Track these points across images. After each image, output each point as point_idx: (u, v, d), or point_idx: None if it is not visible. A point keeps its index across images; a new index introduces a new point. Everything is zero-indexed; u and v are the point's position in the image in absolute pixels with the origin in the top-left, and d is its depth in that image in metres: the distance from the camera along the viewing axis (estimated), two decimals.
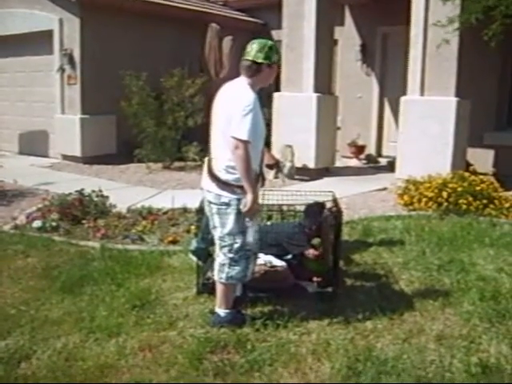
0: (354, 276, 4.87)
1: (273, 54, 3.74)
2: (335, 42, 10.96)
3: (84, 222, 6.31)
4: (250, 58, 3.72)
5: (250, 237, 3.80)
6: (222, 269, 3.84)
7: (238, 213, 3.70)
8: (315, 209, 4.58)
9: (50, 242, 5.78)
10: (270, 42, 3.79)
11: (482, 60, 9.06)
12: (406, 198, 7.33)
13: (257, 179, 3.80)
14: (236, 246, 3.78)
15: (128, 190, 8.61)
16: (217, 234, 3.85)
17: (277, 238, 4.54)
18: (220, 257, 3.86)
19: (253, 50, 3.73)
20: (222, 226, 3.78)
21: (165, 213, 6.70)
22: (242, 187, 3.65)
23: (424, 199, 7.08)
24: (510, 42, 9.45)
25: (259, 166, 3.86)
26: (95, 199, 6.75)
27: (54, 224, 6.24)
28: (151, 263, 5.13)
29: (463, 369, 3.36)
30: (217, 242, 3.88)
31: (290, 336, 3.76)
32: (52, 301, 4.37)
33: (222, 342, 3.64)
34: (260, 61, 3.69)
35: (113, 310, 4.15)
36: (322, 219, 4.51)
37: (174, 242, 5.77)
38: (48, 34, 10.96)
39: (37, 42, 11.32)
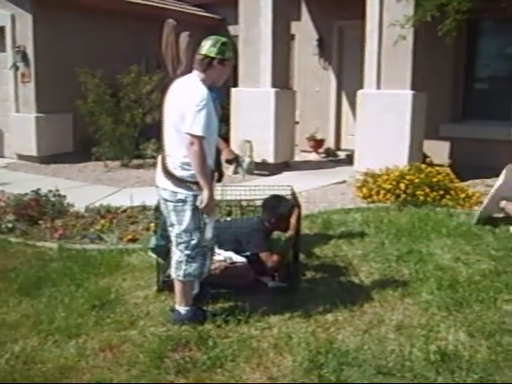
0: (314, 269, 4.91)
1: (226, 50, 3.73)
2: (292, 37, 10.98)
3: (41, 222, 6.20)
4: (202, 53, 3.72)
5: (208, 233, 3.80)
6: (179, 266, 3.82)
7: (195, 209, 3.69)
8: (273, 202, 4.59)
9: (6, 244, 5.66)
10: (224, 39, 3.78)
11: (437, 53, 9.21)
12: (364, 190, 7.42)
13: (212, 175, 3.80)
14: (193, 242, 3.77)
15: (86, 188, 8.48)
16: (174, 231, 3.83)
17: (236, 233, 4.53)
18: (177, 254, 3.84)
19: (206, 44, 3.73)
20: (178, 223, 3.77)
21: (124, 211, 6.63)
22: (197, 183, 3.64)
23: (382, 191, 7.17)
24: (464, 36, 9.66)
25: (214, 161, 3.86)
26: (52, 199, 6.64)
27: (9, 225, 6.12)
28: (110, 262, 5.07)
29: (422, 357, 3.42)
30: (173, 239, 3.87)
31: (251, 331, 3.77)
32: (9, 304, 4.29)
33: (184, 340, 3.62)
34: (212, 55, 3.69)
35: (72, 311, 4.09)
36: (283, 210, 4.52)
37: (133, 241, 5.72)
38: (0, 31, 10.71)
39: None
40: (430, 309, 4.10)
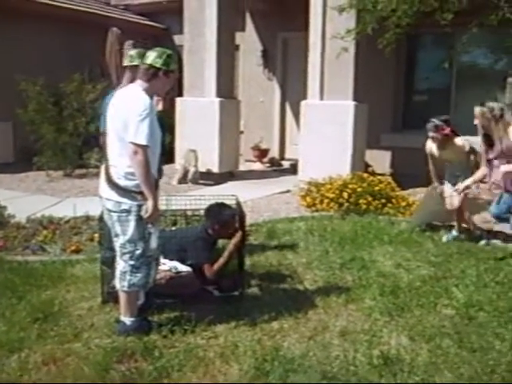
0: (259, 278, 4.93)
1: (171, 62, 3.75)
2: (237, 47, 11.06)
3: None
4: (147, 62, 3.72)
5: (153, 243, 3.80)
6: (123, 277, 3.80)
7: (139, 219, 3.68)
8: (216, 209, 4.61)
9: None
10: (169, 51, 3.80)
11: (379, 65, 9.45)
12: (308, 199, 7.52)
13: (156, 184, 3.80)
14: (137, 252, 3.75)
15: (27, 199, 8.30)
16: (118, 241, 3.80)
17: (181, 243, 4.54)
18: (121, 264, 3.81)
19: (152, 55, 3.74)
20: (123, 234, 3.74)
21: (67, 221, 6.52)
22: (142, 193, 3.63)
23: (326, 200, 7.29)
24: (404, 49, 9.94)
25: (157, 171, 3.85)
26: None
27: None
28: (53, 274, 4.98)
29: (366, 361, 3.50)
30: (117, 249, 3.83)
31: (197, 340, 3.77)
32: None
33: (129, 351, 3.59)
34: (158, 66, 3.69)
35: (13, 325, 3.99)
36: (226, 217, 4.55)
37: (77, 251, 5.63)
38: None
39: None
40: (373, 314, 4.19)
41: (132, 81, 4.71)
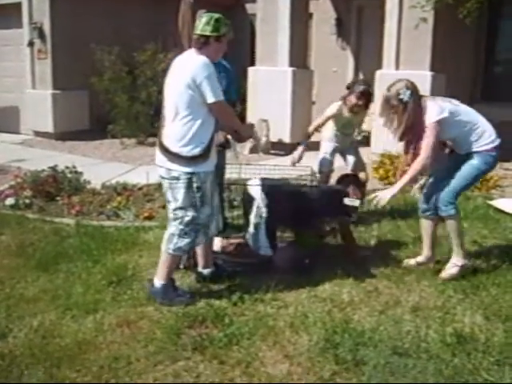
0: (331, 248, 4.87)
1: (220, 26, 3.76)
2: (310, 16, 10.88)
3: (58, 198, 6.24)
4: (197, 32, 3.76)
5: (203, 212, 3.83)
6: (171, 239, 3.86)
7: (188, 187, 3.74)
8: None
9: (24, 220, 5.71)
10: (216, 15, 3.79)
11: (457, 35, 9.06)
12: (381, 172, 7.37)
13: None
14: (187, 219, 3.81)
15: (102, 166, 8.52)
16: (170, 207, 3.89)
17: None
18: (171, 228, 3.88)
19: (201, 23, 3.76)
20: (174, 200, 3.82)
21: (140, 188, 6.66)
22: (192, 158, 3.69)
23: (399, 173, 7.10)
24: (484, 17, 9.50)
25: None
26: (69, 175, 6.67)
27: (27, 201, 6.17)
28: (127, 239, 5.10)
29: (438, 339, 3.41)
30: (170, 214, 3.91)
31: (267, 309, 3.78)
32: (27, 279, 4.33)
33: (200, 317, 3.64)
34: (207, 34, 3.72)
35: (89, 287, 4.12)
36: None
37: (149, 218, 5.74)
38: (16, 7, 10.71)
39: (5, 15, 11.06)
40: (447, 291, 4.08)
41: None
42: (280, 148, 9.17)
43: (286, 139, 9.35)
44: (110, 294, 4.01)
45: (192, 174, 3.72)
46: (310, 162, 5.58)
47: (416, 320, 3.67)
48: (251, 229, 4.46)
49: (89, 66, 9.77)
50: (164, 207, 5.93)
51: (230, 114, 3.94)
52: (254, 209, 4.41)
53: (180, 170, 3.73)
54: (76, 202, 6.11)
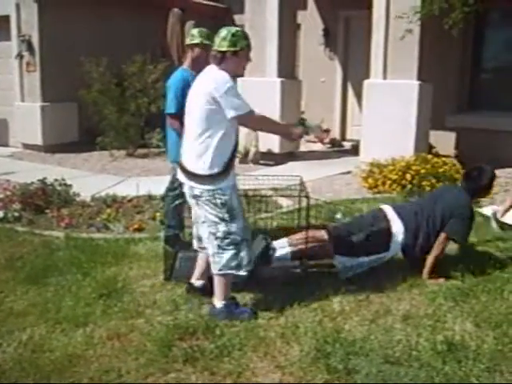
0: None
1: (238, 40, 3.69)
2: (298, 27, 10.94)
3: (47, 211, 6.22)
4: (215, 48, 3.72)
5: (235, 226, 3.73)
6: (213, 259, 3.80)
7: (213, 204, 3.68)
8: (474, 173, 4.70)
9: (13, 233, 5.68)
10: (234, 29, 3.74)
11: (444, 44, 9.13)
12: (370, 181, 7.41)
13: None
14: (219, 234, 3.72)
15: (92, 178, 8.50)
16: (203, 225, 3.83)
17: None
18: (210, 248, 3.81)
19: (216, 40, 3.72)
20: (203, 217, 3.77)
21: (129, 200, 6.64)
22: (211, 176, 3.64)
23: (388, 182, 7.16)
24: (471, 26, 9.58)
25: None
26: (58, 188, 6.65)
27: (16, 214, 6.14)
28: (117, 251, 5.08)
29: (429, 347, 3.42)
30: (205, 234, 3.84)
31: (258, 320, 3.77)
32: (16, 292, 4.30)
33: (191, 329, 3.63)
34: (224, 49, 3.67)
35: (79, 300, 4.10)
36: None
37: (139, 230, 5.72)
38: (5, 20, 10.69)
39: None
40: (437, 299, 4.09)
41: (194, 59, 4.74)
42: (269, 158, 9.19)
43: (276, 149, 9.37)
44: (100, 307, 3.99)
45: (213, 190, 3.67)
46: (301, 172, 5.57)
47: (407, 328, 3.68)
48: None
49: (78, 78, 9.75)
50: (154, 219, 5.94)
51: (263, 122, 3.94)
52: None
53: (201, 187, 3.69)
54: (65, 214, 6.09)
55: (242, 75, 3.89)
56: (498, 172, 8.03)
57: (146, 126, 10.39)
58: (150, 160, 9.67)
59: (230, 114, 3.59)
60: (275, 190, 5.33)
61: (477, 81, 10.10)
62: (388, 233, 4.50)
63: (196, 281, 4.16)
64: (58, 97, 10.55)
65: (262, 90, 9.34)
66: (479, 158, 8.36)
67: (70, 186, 6.78)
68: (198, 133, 3.67)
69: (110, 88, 10.07)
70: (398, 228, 4.51)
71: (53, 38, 10.38)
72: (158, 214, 5.87)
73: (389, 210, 4.65)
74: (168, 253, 4.49)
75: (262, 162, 9.15)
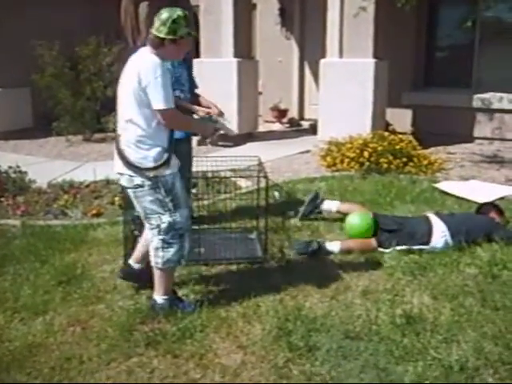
0: (279, 239, 4.91)
1: (178, 27, 3.38)
2: (254, 7, 10.88)
3: (2, 199, 6.08)
4: (153, 32, 3.41)
5: (180, 216, 3.53)
6: (156, 253, 3.58)
7: (156, 193, 3.45)
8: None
9: None
10: (176, 14, 3.39)
11: (399, 22, 9.22)
12: (328, 159, 7.46)
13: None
14: (164, 226, 3.51)
15: (48, 164, 8.34)
16: (142, 217, 3.63)
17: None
18: (153, 241, 3.60)
19: (157, 21, 3.40)
20: (144, 209, 3.55)
21: (87, 186, 6.55)
22: (150, 169, 3.42)
23: (346, 160, 7.22)
24: (424, 4, 9.68)
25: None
26: (13, 175, 6.52)
27: None
28: (75, 237, 5.01)
29: (389, 321, 3.49)
30: (146, 226, 3.66)
31: (219, 301, 3.77)
32: None
33: (152, 313, 3.61)
34: (162, 36, 3.37)
35: (38, 288, 4.04)
36: None
37: (98, 215, 5.65)
38: None
39: None
40: (395, 274, 4.17)
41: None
42: (227, 139, 9.15)
43: (234, 130, 9.35)
44: (60, 294, 3.94)
45: (156, 177, 3.44)
46: (261, 152, 5.58)
47: (366, 303, 3.74)
48: None
49: (30, 63, 9.52)
50: (113, 203, 5.88)
51: (181, 122, 3.61)
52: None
53: (143, 176, 3.45)
54: (21, 202, 5.97)
55: (181, 60, 3.78)
56: (452, 148, 8.29)
57: (102, 110, 10.22)
58: (107, 144, 9.52)
59: (157, 105, 3.31)
60: (234, 171, 5.31)
61: (432, 58, 10.23)
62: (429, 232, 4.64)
63: (134, 264, 3.94)
64: (10, 82, 10.29)
65: (218, 70, 9.29)
66: (434, 133, 8.54)
67: (26, 172, 6.65)
68: (131, 121, 3.43)
69: (63, 72, 9.87)
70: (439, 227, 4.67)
71: (2, 22, 10.08)
72: (116, 199, 5.81)
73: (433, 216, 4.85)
74: (128, 237, 4.44)
75: (220, 143, 9.11)
